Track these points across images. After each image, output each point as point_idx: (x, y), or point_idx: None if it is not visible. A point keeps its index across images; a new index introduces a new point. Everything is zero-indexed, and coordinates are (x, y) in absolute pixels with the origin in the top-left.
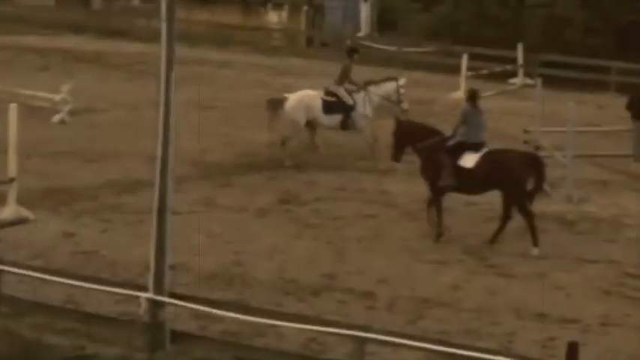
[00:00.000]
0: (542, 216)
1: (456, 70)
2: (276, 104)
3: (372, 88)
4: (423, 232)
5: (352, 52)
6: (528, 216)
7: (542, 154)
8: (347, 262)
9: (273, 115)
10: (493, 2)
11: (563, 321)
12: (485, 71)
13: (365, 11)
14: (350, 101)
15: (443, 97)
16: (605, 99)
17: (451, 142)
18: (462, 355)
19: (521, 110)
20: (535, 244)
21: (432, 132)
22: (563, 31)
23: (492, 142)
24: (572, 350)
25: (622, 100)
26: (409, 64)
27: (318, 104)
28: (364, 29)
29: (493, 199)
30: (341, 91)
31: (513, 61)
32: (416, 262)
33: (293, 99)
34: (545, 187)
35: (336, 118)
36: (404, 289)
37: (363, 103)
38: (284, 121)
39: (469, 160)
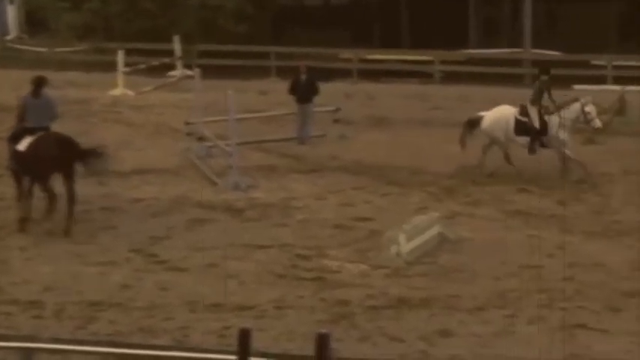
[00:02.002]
0: (211, 206)
1: (112, 66)
2: (473, 123)
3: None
4: (88, 235)
5: (544, 71)
6: (52, 197)
7: (206, 144)
8: (10, 273)
9: (468, 134)
10: None
11: (238, 309)
12: (143, 66)
13: (11, 13)
14: (537, 124)
15: (101, 96)
16: (266, 84)
17: (15, 130)
18: (134, 355)
19: (182, 102)
20: (66, 231)
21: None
22: (216, 19)
23: (156, 137)
24: (244, 336)
25: (283, 85)
26: (63, 65)
27: (512, 122)
28: (13, 32)
29: (159, 194)
30: (533, 112)
31: (171, 53)
32: (82, 266)
33: (490, 116)
34: (213, 176)
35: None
36: (72, 294)
37: (557, 127)
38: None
39: (23, 144)
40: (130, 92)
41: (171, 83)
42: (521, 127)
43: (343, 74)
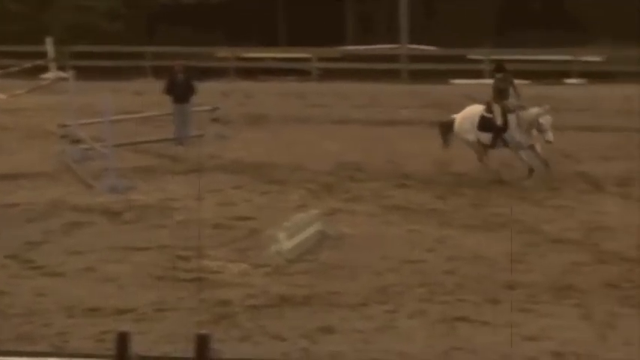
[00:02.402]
0: (88, 209)
1: None
2: (447, 127)
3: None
4: None
5: (498, 68)
6: None
7: (82, 147)
8: None
9: (446, 139)
10: None
11: (117, 312)
12: (15, 68)
13: None
14: (499, 121)
15: None
16: (141, 85)
17: None
18: None
19: (57, 105)
20: None
21: None
22: (89, 19)
23: (29, 140)
24: (122, 340)
25: (159, 85)
26: None
27: (476, 120)
28: None
29: (34, 198)
30: (496, 109)
31: (44, 55)
32: None
33: (459, 118)
34: (89, 179)
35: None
36: None
37: (516, 126)
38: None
39: None
40: (2, 95)
41: (45, 86)
42: (485, 124)
43: (220, 73)
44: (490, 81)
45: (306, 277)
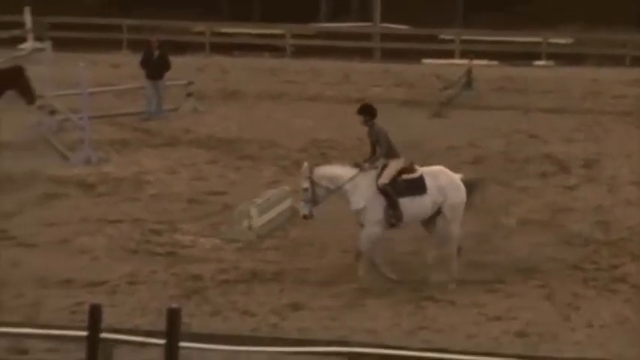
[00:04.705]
0: (62, 181)
1: None
2: None
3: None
4: None
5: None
6: None
7: (58, 118)
8: None
9: None
10: None
11: (90, 285)
12: None
13: None
14: None
15: None
16: (118, 58)
17: None
18: None
19: (34, 76)
20: None
21: None
22: None
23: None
24: (95, 312)
25: (135, 58)
26: None
27: None
28: None
29: (10, 169)
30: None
31: (21, 25)
32: None
33: None
34: (64, 150)
35: None
36: None
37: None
38: None
39: None
40: None
41: (23, 56)
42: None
43: (195, 48)
44: (461, 61)
45: (277, 254)
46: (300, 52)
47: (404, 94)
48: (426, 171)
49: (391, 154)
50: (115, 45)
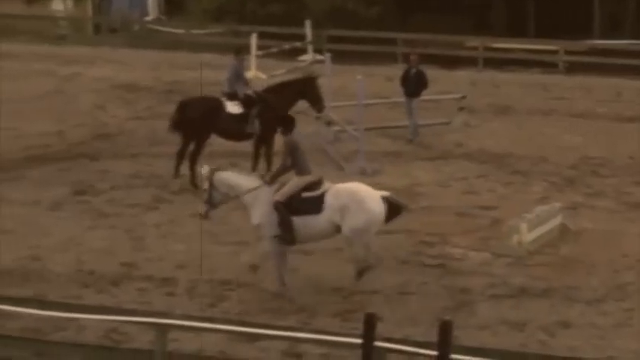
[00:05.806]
0: None
1: (245, 50)
2: None
3: None
4: (220, 216)
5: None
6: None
7: (334, 128)
8: (145, 250)
9: None
10: None
11: (362, 293)
12: (275, 49)
13: None
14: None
15: None
16: (392, 70)
17: None
18: (263, 335)
19: None
20: None
21: None
22: (346, 4)
23: None
24: (370, 321)
25: None
26: (198, 47)
27: None
28: (152, 13)
29: None
30: None
31: (302, 37)
32: (214, 245)
33: None
34: (340, 161)
35: None
36: (203, 272)
37: None
38: None
39: None
40: (263, 75)
41: (303, 68)
42: None
43: (468, 62)
44: None
45: (546, 270)
46: (573, 68)
47: None
48: (334, 189)
49: (302, 169)
50: (390, 58)
